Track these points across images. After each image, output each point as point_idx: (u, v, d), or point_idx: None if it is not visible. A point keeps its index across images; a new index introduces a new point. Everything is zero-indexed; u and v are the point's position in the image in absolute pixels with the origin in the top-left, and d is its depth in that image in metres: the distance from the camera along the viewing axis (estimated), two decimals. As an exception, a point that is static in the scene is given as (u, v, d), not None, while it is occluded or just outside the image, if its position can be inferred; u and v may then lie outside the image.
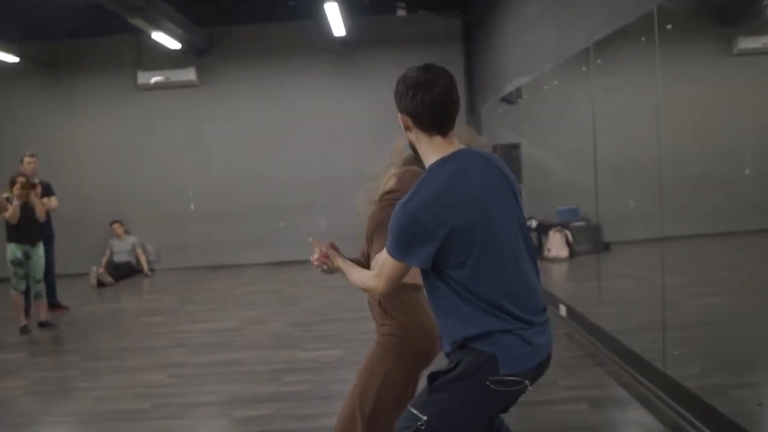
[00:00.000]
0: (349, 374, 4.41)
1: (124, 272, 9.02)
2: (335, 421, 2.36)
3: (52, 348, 5.77)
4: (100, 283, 8.42)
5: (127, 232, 9.37)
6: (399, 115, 1.88)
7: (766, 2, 6.02)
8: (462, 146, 1.90)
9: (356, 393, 2.31)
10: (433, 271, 1.85)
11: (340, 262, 2.11)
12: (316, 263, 2.14)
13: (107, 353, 5.26)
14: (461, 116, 8.48)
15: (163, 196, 9.56)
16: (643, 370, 3.78)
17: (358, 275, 2.04)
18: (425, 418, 1.83)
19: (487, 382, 1.77)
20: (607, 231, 5.38)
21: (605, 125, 4.65)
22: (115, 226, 9.24)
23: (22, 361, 5.27)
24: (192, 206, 9.63)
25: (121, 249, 9.20)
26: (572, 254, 6.77)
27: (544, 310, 1.94)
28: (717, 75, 4.54)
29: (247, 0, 8.87)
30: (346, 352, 4.85)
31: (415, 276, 2.30)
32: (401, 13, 9.53)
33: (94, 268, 8.52)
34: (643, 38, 3.73)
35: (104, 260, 9.01)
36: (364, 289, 2.01)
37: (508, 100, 8.44)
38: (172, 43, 8.25)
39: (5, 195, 6.00)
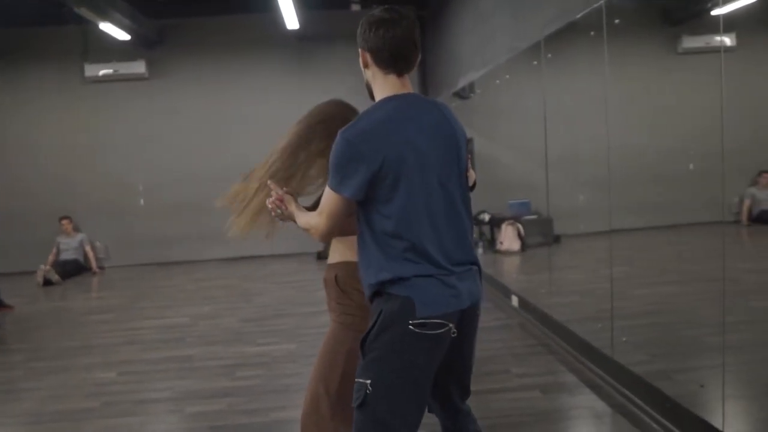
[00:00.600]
0: (301, 368, 4.44)
1: (71, 270, 8.76)
2: (297, 413, 2.31)
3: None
4: (47, 282, 8.14)
5: (76, 228, 9.10)
6: (359, 51, 1.90)
7: (709, 3, 6.22)
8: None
9: (319, 375, 2.27)
10: (363, 211, 1.85)
11: (293, 206, 2.07)
12: (270, 206, 2.10)
13: (53, 352, 5.09)
14: None
15: (113, 191, 9.31)
16: (593, 357, 3.87)
17: (304, 217, 2.01)
18: (369, 382, 1.79)
19: (410, 326, 1.75)
20: (557, 224, 5.49)
21: (556, 120, 4.73)
22: (64, 222, 8.96)
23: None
24: (142, 201, 9.42)
25: (69, 246, 8.92)
26: (524, 247, 6.89)
27: (473, 263, 1.91)
28: (662, 72, 4.68)
29: (198, -9, 8.72)
30: (298, 347, 4.82)
31: (341, 253, 2.32)
32: (356, 7, 9.50)
33: (42, 266, 8.23)
34: (592, 33, 3.81)
35: (51, 258, 8.72)
36: (308, 230, 1.96)
37: (460, 95, 8.52)
38: (121, 35, 8.04)
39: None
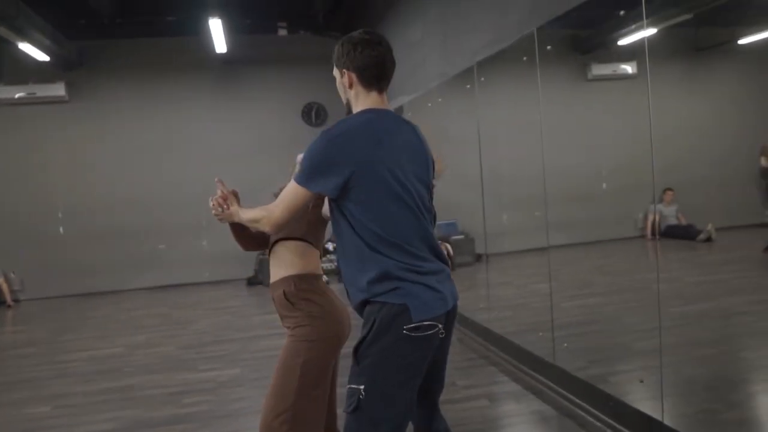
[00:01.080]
0: (249, 392, 4.40)
1: (-17, 304, 8.23)
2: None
3: None
4: (-43, 317, 7.62)
5: (-13, 260, 8.57)
6: (341, 73, 1.99)
7: (614, 34, 6.76)
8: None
9: (275, 392, 2.28)
10: (342, 210, 1.92)
11: (235, 206, 2.14)
12: (212, 203, 2.16)
13: (-25, 390, 4.79)
14: None
15: (30, 219, 8.84)
16: (534, 365, 4.06)
17: (251, 211, 2.06)
18: (362, 387, 1.85)
19: (404, 331, 1.83)
20: (487, 243, 5.72)
21: (488, 141, 4.97)
22: (-26, 253, 8.42)
23: None
24: (61, 229, 9.00)
25: (-20, 279, 8.39)
26: (453, 266, 7.12)
27: (445, 262, 2.03)
28: (575, 97, 5.04)
29: (122, 14, 8.53)
30: (242, 371, 4.77)
31: (314, 264, 2.45)
32: (282, 32, 9.61)
33: (-50, 301, 7.70)
34: (525, 58, 4.07)
35: (-41, 292, 8.17)
36: (258, 221, 2.00)
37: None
38: (40, 56, 7.74)
39: None
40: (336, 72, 2.04)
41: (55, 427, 3.83)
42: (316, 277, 2.42)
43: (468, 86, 4.96)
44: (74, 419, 3.96)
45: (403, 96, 7.18)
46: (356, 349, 1.90)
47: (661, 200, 8.10)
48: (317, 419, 2.33)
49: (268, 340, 5.73)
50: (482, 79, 4.79)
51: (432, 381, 2.08)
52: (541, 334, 4.08)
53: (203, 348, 5.55)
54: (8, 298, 8.55)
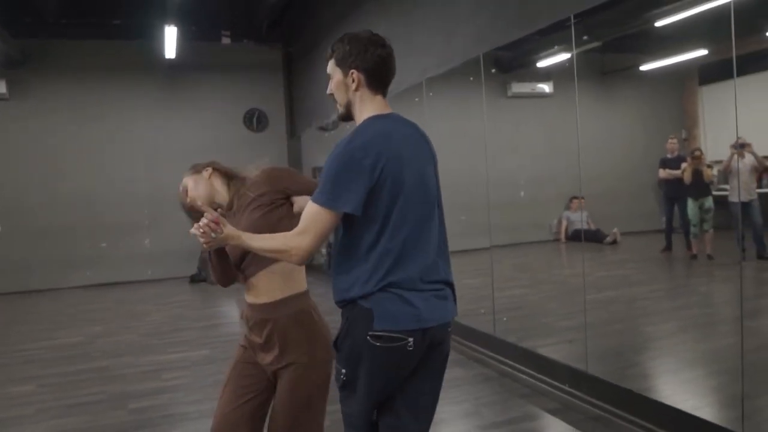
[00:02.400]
0: (222, 367, 4.71)
1: None
2: None
3: None
4: None
5: None
6: (346, 73, 1.87)
7: (534, 55, 7.65)
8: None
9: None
10: (350, 225, 1.82)
11: (232, 229, 1.90)
12: (202, 230, 1.86)
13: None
14: (282, 142, 9.32)
15: (-36, 216, 8.76)
16: (475, 338, 4.73)
17: (270, 238, 1.87)
18: (344, 371, 1.85)
19: (368, 338, 1.77)
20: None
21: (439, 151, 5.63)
22: None
23: None
24: (0, 227, 8.95)
25: None
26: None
27: (445, 283, 1.91)
28: (497, 113, 5.74)
29: (68, 15, 8.67)
30: (211, 352, 5.18)
31: (301, 282, 2.16)
32: (226, 40, 9.99)
33: None
34: (471, 78, 4.76)
35: None
36: (281, 253, 1.83)
37: (323, 128, 9.34)
38: (-15, 53, 7.78)
39: None
40: (337, 71, 1.90)
41: (49, 400, 4.13)
42: (307, 294, 2.21)
43: (416, 99, 5.62)
44: (64, 393, 4.26)
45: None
46: (335, 340, 1.88)
47: (569, 207, 9.11)
48: None
49: (226, 327, 6.15)
50: (431, 93, 5.46)
51: (407, 411, 1.89)
52: (482, 310, 4.76)
53: (165, 335, 5.89)
54: (-59, 295, 8.42)
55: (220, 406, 2.19)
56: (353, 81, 1.86)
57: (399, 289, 1.79)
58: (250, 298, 2.16)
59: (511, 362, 4.23)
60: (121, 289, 8.94)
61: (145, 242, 9.53)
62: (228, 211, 2.21)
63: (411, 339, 1.78)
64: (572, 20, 3.57)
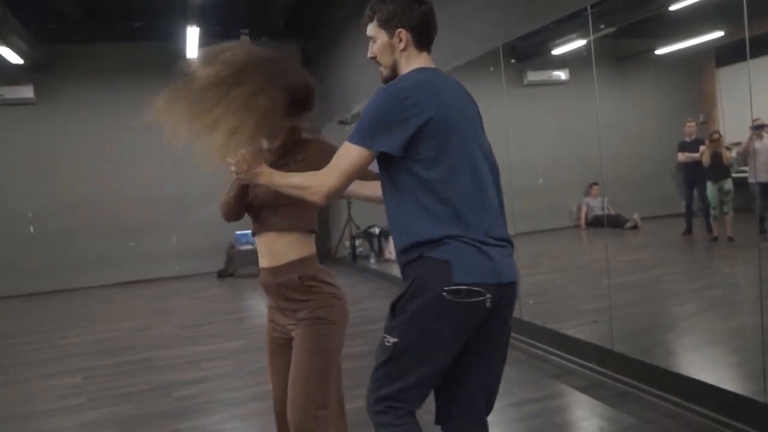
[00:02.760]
0: (260, 356, 4.95)
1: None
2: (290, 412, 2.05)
3: None
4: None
5: (-43, 258, 8.72)
6: (392, 33, 1.83)
7: (549, 44, 7.72)
8: None
9: (310, 380, 2.02)
10: (400, 167, 1.74)
11: (266, 167, 1.88)
12: (236, 159, 1.87)
13: (-7, 370, 5.18)
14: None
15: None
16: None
17: (291, 176, 1.85)
18: (395, 341, 1.73)
19: (443, 293, 1.65)
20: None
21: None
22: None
23: None
24: (32, 229, 9.22)
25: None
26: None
27: (509, 242, 1.82)
28: (514, 101, 5.81)
29: (91, 19, 8.88)
30: (246, 342, 5.37)
31: (308, 246, 2.13)
32: (245, 38, 10.14)
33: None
34: (491, 68, 4.88)
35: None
36: (305, 190, 1.79)
37: (343, 122, 9.50)
38: (15, 59, 8.01)
39: None
40: (381, 33, 1.84)
41: (98, 390, 4.34)
42: (317, 259, 2.18)
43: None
44: (111, 383, 4.47)
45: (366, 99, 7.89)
46: (394, 304, 1.76)
47: (588, 194, 9.17)
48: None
49: (258, 319, 6.34)
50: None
51: (474, 384, 1.84)
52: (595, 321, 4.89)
53: (199, 328, 6.10)
54: (-21, 296, 8.72)
55: (276, 394, 2.22)
56: (400, 41, 1.82)
57: (471, 239, 1.69)
58: (261, 262, 2.17)
59: (539, 344, 4.37)
60: (151, 285, 9.18)
61: (172, 240, 9.76)
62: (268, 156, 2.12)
63: (489, 295, 1.68)
64: (589, 10, 3.67)
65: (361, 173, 1.79)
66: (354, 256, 9.59)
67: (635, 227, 8.24)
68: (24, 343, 6.12)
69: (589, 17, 3.71)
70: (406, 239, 1.76)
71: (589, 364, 3.82)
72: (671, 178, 7.49)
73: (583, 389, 3.63)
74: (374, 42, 1.87)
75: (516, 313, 4.86)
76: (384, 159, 1.77)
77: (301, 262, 2.10)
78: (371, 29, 1.87)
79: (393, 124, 1.69)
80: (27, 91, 8.99)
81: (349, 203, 9.49)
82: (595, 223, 8.99)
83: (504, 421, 3.26)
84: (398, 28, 1.82)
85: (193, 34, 7.96)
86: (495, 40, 4.75)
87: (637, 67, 8.38)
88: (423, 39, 1.84)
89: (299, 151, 2.12)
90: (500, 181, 1.89)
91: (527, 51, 8.44)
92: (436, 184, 1.71)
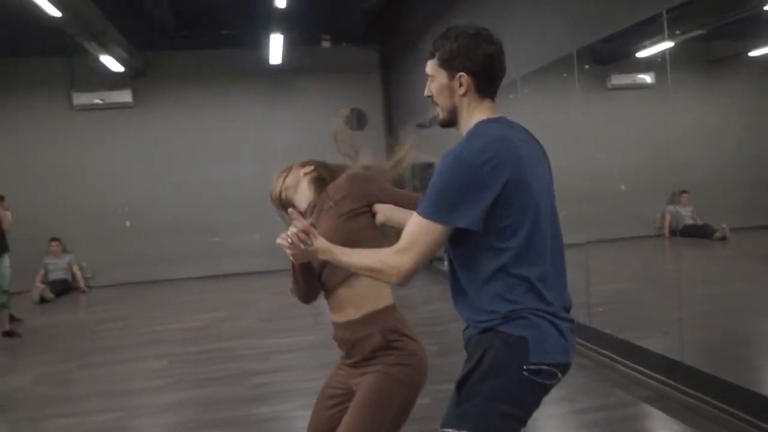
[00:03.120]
0: (331, 351, 5.16)
1: (60, 289, 9.12)
2: None
3: (33, 350, 5.93)
4: (42, 299, 8.52)
5: (64, 250, 9.48)
6: (452, 76, 1.62)
7: (633, 46, 7.53)
8: None
9: (366, 428, 1.84)
10: (470, 247, 1.57)
11: (323, 242, 1.67)
12: (290, 240, 1.63)
13: (89, 352, 5.63)
14: (381, 140, 9.71)
15: (99, 214, 9.78)
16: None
17: (366, 254, 1.64)
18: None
19: (524, 372, 1.50)
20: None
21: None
22: (53, 244, 9.34)
23: (9, 363, 5.53)
24: (128, 223, 9.91)
25: (58, 267, 9.30)
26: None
27: (569, 310, 1.67)
28: (596, 105, 5.75)
29: (184, 28, 9.43)
30: (319, 337, 5.57)
31: (385, 296, 1.95)
32: (326, 44, 10.48)
33: (38, 285, 8.64)
34: (564, 74, 4.88)
35: (38, 278, 9.05)
36: (380, 272, 1.59)
37: (421, 125, 9.60)
38: (116, 66, 8.65)
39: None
40: (440, 73, 1.64)
41: (180, 373, 4.69)
42: (395, 308, 1.98)
43: (511, 96, 5.78)
44: (193, 369, 4.81)
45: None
46: (460, 384, 1.57)
47: (677, 201, 8.83)
48: None
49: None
50: (525, 90, 5.60)
51: None
52: (578, 303, 4.86)
53: (277, 321, 6.40)
54: (82, 284, 9.47)
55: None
56: (460, 85, 1.61)
57: (548, 315, 1.55)
58: (333, 316, 2.00)
59: (606, 352, 4.34)
60: (234, 279, 9.66)
61: (255, 237, 10.20)
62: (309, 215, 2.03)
63: (560, 375, 1.56)
64: (665, 15, 3.64)
65: (438, 250, 1.60)
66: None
67: (724, 238, 7.90)
68: (120, 328, 6.63)
69: (665, 22, 3.67)
70: (478, 317, 1.59)
71: (657, 375, 3.77)
72: (765, 187, 7.15)
73: (648, 400, 3.59)
74: (432, 81, 1.67)
75: (584, 320, 4.88)
76: (455, 233, 1.57)
77: (380, 313, 1.91)
78: (430, 67, 1.67)
79: (470, 195, 1.49)
80: (125, 96, 9.68)
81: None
82: (683, 232, 8.66)
83: (565, 428, 3.30)
84: (459, 71, 1.61)
85: (276, 41, 8.30)
86: (572, 45, 4.75)
87: (730, 69, 8.04)
88: (486, 85, 1.63)
89: (335, 191, 1.98)
90: (562, 239, 1.69)
91: (610, 54, 8.28)
92: (513, 255, 1.54)
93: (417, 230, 1.54)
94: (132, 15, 8.55)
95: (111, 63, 8.47)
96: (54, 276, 9.22)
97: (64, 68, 9.62)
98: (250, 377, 4.49)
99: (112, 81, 9.54)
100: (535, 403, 1.58)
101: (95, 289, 9.62)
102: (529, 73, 5.49)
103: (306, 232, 1.63)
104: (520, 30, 5.54)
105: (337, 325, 1.99)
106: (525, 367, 1.50)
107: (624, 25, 4.08)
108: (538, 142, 1.73)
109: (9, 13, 6.80)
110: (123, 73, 9.28)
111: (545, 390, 1.57)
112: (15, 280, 8.85)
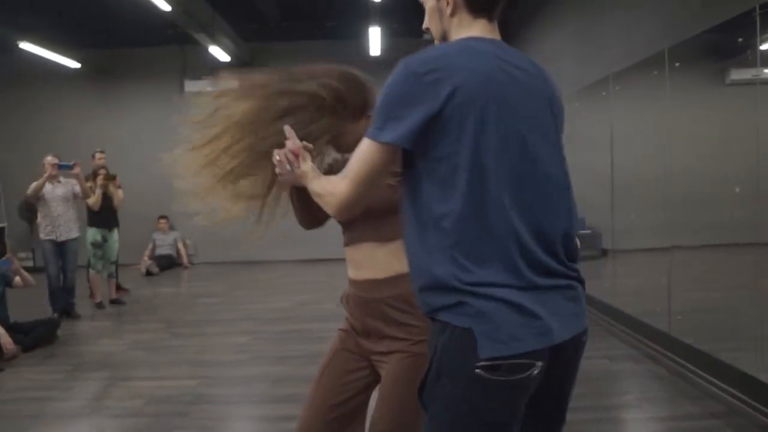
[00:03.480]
0: None
1: (165, 264, 9.83)
2: None
3: (133, 318, 6.46)
4: (148, 273, 9.24)
5: (171, 227, 10.20)
6: None
7: (754, 39, 7.02)
8: None
9: (403, 412, 1.65)
10: (410, 179, 1.34)
11: (309, 166, 1.53)
12: (278, 158, 1.55)
13: (183, 324, 6.07)
14: None
15: (203, 194, 10.40)
16: (650, 335, 4.68)
17: (322, 181, 1.48)
18: None
19: (476, 371, 1.22)
20: (614, 239, 6.26)
21: (620, 144, 5.56)
22: (162, 221, 10.07)
23: (111, 328, 6.08)
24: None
25: (164, 242, 10.02)
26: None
27: (573, 277, 1.38)
28: (711, 102, 5.44)
29: (287, 19, 9.81)
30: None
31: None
32: (427, 37, 10.49)
33: (146, 259, 9.37)
34: (655, 72, 4.68)
35: (147, 252, 9.80)
36: (321, 197, 1.44)
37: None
38: (224, 57, 9.15)
39: (89, 184, 6.78)
40: None
41: (259, 350, 4.98)
42: None
43: (603, 93, 5.60)
44: (271, 346, 5.09)
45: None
46: (420, 391, 1.32)
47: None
48: None
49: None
50: (617, 87, 5.42)
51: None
52: (658, 309, 4.69)
53: (357, 308, 6.58)
54: (185, 260, 10.14)
55: (312, 406, 1.86)
56: (447, 4, 1.42)
57: (506, 288, 1.23)
58: (351, 272, 1.83)
59: (683, 362, 4.16)
60: (326, 264, 9.97)
61: (345, 223, 10.50)
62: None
63: (539, 363, 1.25)
64: (758, 11, 3.42)
65: (378, 174, 1.33)
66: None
67: None
68: (214, 303, 7.09)
69: (757, 18, 3.45)
70: (416, 284, 1.35)
71: (732, 390, 3.58)
72: None
73: (718, 415, 3.43)
74: (426, 6, 1.48)
75: (664, 328, 4.68)
76: (403, 161, 1.35)
77: (405, 278, 1.55)
78: None
79: (404, 108, 1.27)
80: (233, 84, 10.17)
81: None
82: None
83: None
84: None
85: (374, 34, 8.46)
86: (664, 42, 4.55)
87: None
88: (479, 3, 1.39)
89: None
90: (570, 181, 1.43)
91: (730, 47, 7.74)
92: (450, 195, 1.26)
93: (358, 152, 1.34)
94: (239, 6, 9.00)
95: (219, 53, 8.96)
96: (160, 251, 9.94)
97: (177, 58, 10.27)
98: (322, 358, 4.67)
99: (221, 70, 10.06)
100: (509, 402, 1.27)
101: (197, 266, 10.29)
102: (622, 69, 5.30)
103: (296, 154, 1.54)
104: (615, 25, 5.36)
105: (357, 283, 1.83)
106: (476, 364, 1.22)
107: (720, 20, 3.86)
108: (541, 69, 1.43)
109: (126, 8, 7.37)
110: (230, 62, 9.78)
111: (517, 386, 1.25)
112: (126, 253, 9.67)
